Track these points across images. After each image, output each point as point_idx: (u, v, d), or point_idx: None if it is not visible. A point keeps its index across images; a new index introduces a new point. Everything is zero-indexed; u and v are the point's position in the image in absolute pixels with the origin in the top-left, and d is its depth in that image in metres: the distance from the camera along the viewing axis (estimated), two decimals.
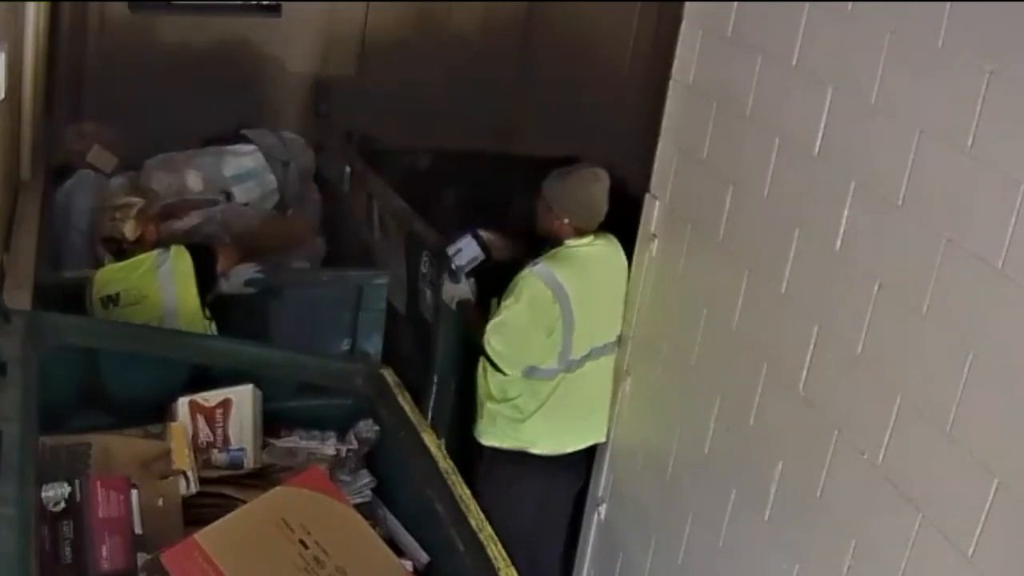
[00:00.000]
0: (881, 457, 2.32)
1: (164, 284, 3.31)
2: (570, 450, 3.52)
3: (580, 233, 3.35)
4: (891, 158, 2.31)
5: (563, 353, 3.36)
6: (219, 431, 2.47)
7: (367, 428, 2.57)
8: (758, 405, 2.78)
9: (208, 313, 3.39)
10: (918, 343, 2.24)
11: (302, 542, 2.03)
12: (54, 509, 1.96)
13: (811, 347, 2.57)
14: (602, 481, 3.60)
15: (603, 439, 3.55)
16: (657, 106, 3.30)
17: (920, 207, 2.25)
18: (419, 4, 6.05)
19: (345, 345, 3.93)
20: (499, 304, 3.36)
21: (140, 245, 3.37)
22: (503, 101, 6.08)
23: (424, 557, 2.29)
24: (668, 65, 3.21)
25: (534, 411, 3.42)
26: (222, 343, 3.04)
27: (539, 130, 5.63)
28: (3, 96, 2.79)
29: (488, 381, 3.45)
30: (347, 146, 5.18)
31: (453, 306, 3.52)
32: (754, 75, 2.81)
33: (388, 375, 2.68)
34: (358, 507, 2.32)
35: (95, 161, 4.46)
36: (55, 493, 1.97)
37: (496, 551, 2.07)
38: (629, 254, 3.42)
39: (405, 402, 2.58)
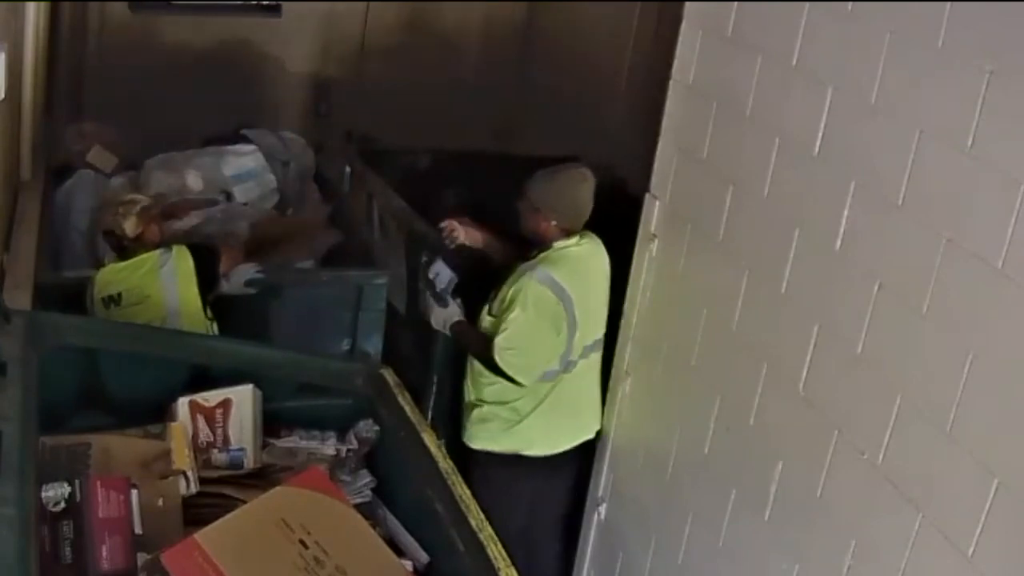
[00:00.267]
0: (881, 457, 2.32)
1: (166, 284, 3.31)
2: (562, 449, 3.52)
3: (567, 234, 3.33)
4: (891, 158, 2.31)
5: (564, 354, 3.35)
6: (219, 431, 2.47)
7: (367, 428, 2.57)
8: (758, 405, 2.78)
9: (210, 313, 3.39)
10: (918, 343, 2.24)
11: (302, 542, 2.03)
12: (54, 509, 1.96)
13: (811, 347, 2.57)
14: (602, 481, 3.60)
15: (592, 436, 3.54)
16: (657, 106, 3.30)
17: (920, 207, 2.25)
18: (419, 4, 6.05)
19: (345, 345, 3.93)
20: (490, 313, 3.34)
21: (139, 243, 3.37)
22: (503, 101, 6.08)
23: (424, 557, 2.29)
24: (668, 65, 3.21)
25: (530, 412, 3.41)
26: (222, 343, 3.05)
27: (539, 130, 5.63)
28: (3, 96, 2.79)
29: (482, 386, 3.43)
30: (347, 146, 5.18)
31: (446, 330, 3.43)
32: (754, 75, 2.81)
33: (388, 375, 2.68)
34: (358, 507, 2.32)
35: (95, 161, 4.47)
36: (55, 493, 1.97)
37: (496, 551, 2.08)
38: (629, 254, 3.42)
39: (405, 402, 2.58)
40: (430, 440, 2.44)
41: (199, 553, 1.94)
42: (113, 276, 3.35)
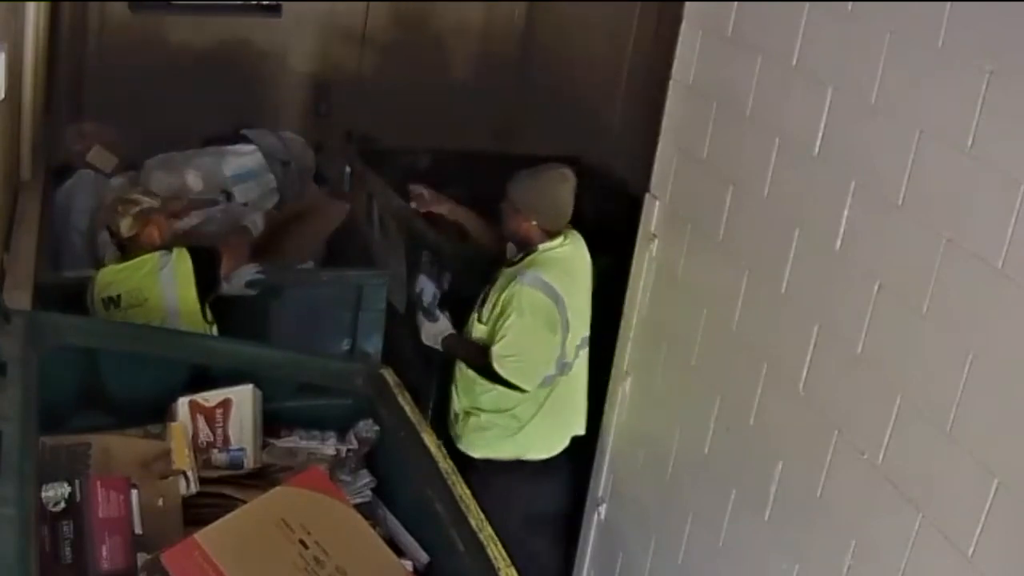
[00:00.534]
0: (881, 457, 2.32)
1: (165, 287, 3.30)
2: (559, 450, 3.52)
3: (548, 234, 3.30)
4: (891, 158, 2.31)
5: (559, 357, 3.35)
6: (219, 431, 2.47)
7: (367, 428, 2.57)
8: (758, 405, 2.78)
9: (210, 316, 3.38)
10: (918, 343, 2.24)
11: (302, 542, 2.03)
12: (54, 509, 1.96)
13: (811, 347, 2.57)
14: (602, 481, 3.60)
15: (583, 432, 3.54)
16: (657, 106, 3.30)
17: (920, 207, 2.25)
18: (419, 4, 6.05)
19: (345, 345, 3.93)
20: (480, 321, 3.33)
21: (135, 244, 3.36)
22: (503, 101, 6.08)
23: (424, 557, 2.29)
24: (668, 65, 3.21)
25: (531, 418, 3.40)
26: (222, 343, 3.05)
27: (539, 130, 5.63)
28: (3, 96, 2.79)
29: (477, 394, 3.41)
30: (347, 146, 5.18)
31: (438, 345, 3.40)
32: (754, 75, 2.81)
33: (388, 375, 2.68)
34: (358, 507, 2.32)
35: (95, 161, 4.46)
36: (55, 493, 1.97)
37: (496, 551, 2.07)
38: (629, 254, 3.42)
39: (405, 402, 2.58)
40: (430, 440, 2.44)
41: (199, 553, 1.94)
42: (113, 277, 3.35)
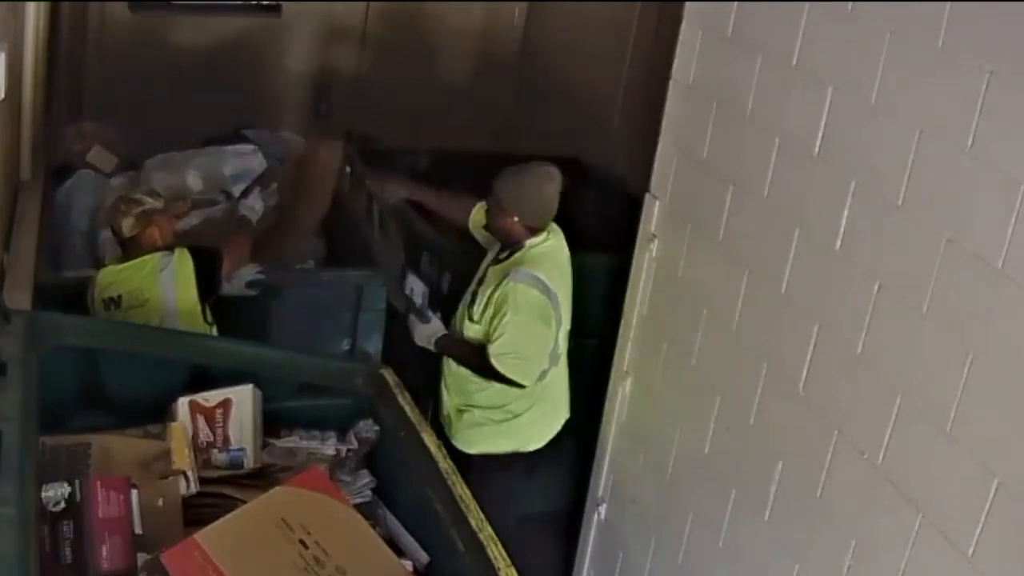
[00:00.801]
0: (881, 457, 2.32)
1: (165, 288, 3.30)
2: (550, 439, 3.53)
3: (534, 231, 3.32)
4: (891, 158, 2.31)
5: (552, 349, 3.37)
6: (219, 431, 2.47)
7: (367, 428, 2.57)
8: (758, 405, 2.78)
9: (210, 317, 3.38)
10: (918, 343, 2.24)
11: (302, 542, 2.03)
12: (54, 509, 1.96)
13: (811, 347, 2.57)
14: (602, 481, 3.60)
15: (568, 414, 3.56)
16: (657, 106, 3.30)
17: (920, 207, 2.25)
18: (419, 5, 6.05)
19: (345, 345, 3.93)
20: (471, 319, 3.34)
21: (135, 244, 3.36)
22: (503, 101, 6.07)
23: (424, 557, 2.29)
24: (668, 65, 3.21)
25: (526, 410, 3.42)
26: (222, 343, 3.04)
27: (539, 130, 5.63)
28: (3, 96, 2.78)
29: (470, 392, 3.41)
30: (347, 146, 5.18)
31: (431, 346, 3.40)
32: (754, 75, 2.81)
33: (388, 375, 2.68)
34: (358, 507, 2.32)
35: (95, 161, 4.47)
36: (55, 493, 1.97)
37: (496, 551, 2.07)
38: (629, 254, 3.42)
39: (405, 402, 2.58)
40: (430, 440, 2.44)
41: (199, 553, 1.94)
42: (114, 277, 3.34)
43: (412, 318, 3.41)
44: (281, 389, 2.61)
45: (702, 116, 3.04)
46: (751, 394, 2.79)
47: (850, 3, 2.47)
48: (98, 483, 2.02)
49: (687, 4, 3.12)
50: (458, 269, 3.79)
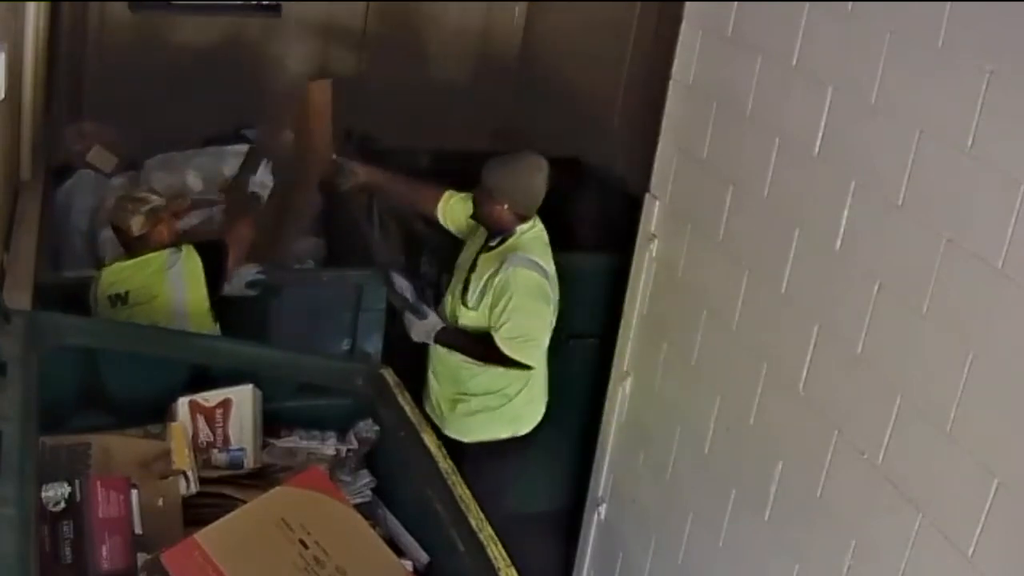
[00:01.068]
0: (881, 457, 2.32)
1: (174, 285, 3.30)
2: (539, 419, 3.55)
3: (522, 219, 3.35)
4: (891, 158, 2.31)
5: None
6: (219, 431, 2.47)
7: (367, 428, 2.57)
8: (758, 405, 2.78)
9: (214, 314, 3.39)
10: (918, 343, 2.24)
11: (302, 542, 2.03)
12: (54, 509, 1.96)
13: (811, 347, 2.57)
14: (602, 481, 3.60)
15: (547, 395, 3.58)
16: (657, 106, 3.30)
17: (920, 207, 2.25)
18: (419, 5, 6.05)
19: (345, 345, 3.93)
20: (466, 307, 3.35)
21: (143, 243, 3.36)
22: (503, 101, 6.07)
23: (424, 557, 2.29)
24: (668, 65, 3.21)
25: (519, 392, 3.44)
26: (222, 343, 3.04)
27: (539, 130, 5.62)
28: (3, 96, 2.78)
29: (464, 380, 3.42)
30: (347, 146, 5.17)
31: (431, 340, 3.41)
32: (754, 75, 2.81)
33: (388, 375, 2.68)
34: (358, 507, 2.32)
35: (95, 161, 4.46)
36: (55, 493, 1.97)
37: (496, 551, 2.07)
38: (629, 254, 3.42)
39: (405, 402, 2.58)
40: (430, 440, 2.44)
41: (199, 553, 1.94)
42: (119, 274, 3.34)
43: (408, 315, 3.42)
44: (281, 389, 2.61)
45: (702, 116, 3.04)
46: (751, 394, 2.79)
47: (850, 3, 2.47)
48: (98, 483, 2.02)
49: (687, 4, 3.12)
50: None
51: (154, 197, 3.43)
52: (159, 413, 2.45)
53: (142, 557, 1.99)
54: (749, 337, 2.84)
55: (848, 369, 2.45)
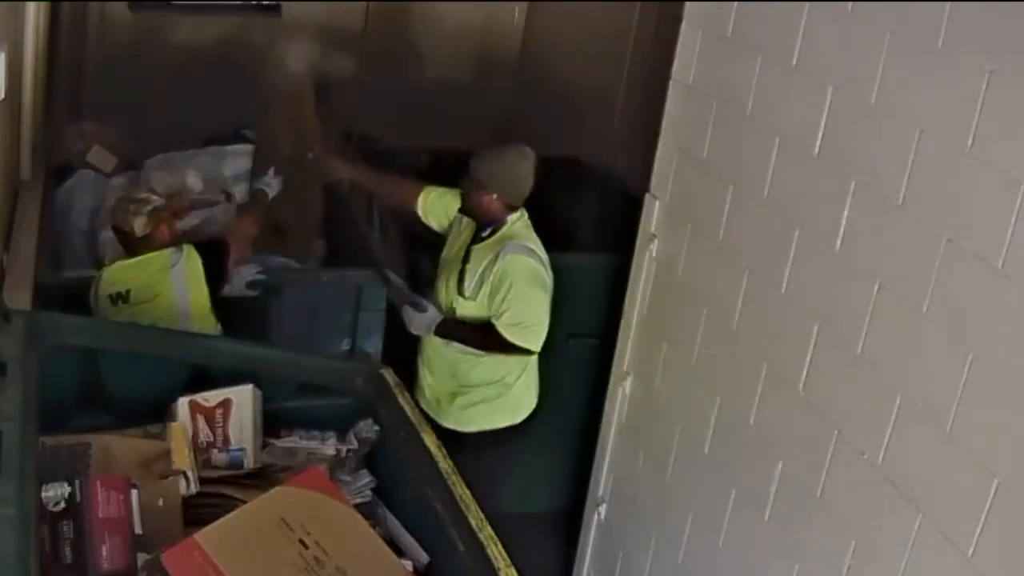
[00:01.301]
0: (881, 457, 2.32)
1: (176, 284, 3.30)
2: (534, 406, 3.57)
3: (511, 209, 3.38)
4: (891, 158, 2.31)
5: None
6: (219, 431, 2.47)
7: (367, 428, 2.57)
8: (758, 405, 2.78)
9: (216, 314, 3.39)
10: (918, 343, 2.24)
11: (302, 542, 2.03)
12: (54, 509, 1.96)
13: (811, 347, 2.57)
14: (602, 481, 3.60)
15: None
16: (657, 106, 3.30)
17: (920, 207, 2.25)
18: (419, 5, 6.05)
19: (345, 345, 3.93)
20: (463, 297, 3.36)
21: (146, 243, 3.36)
22: (503, 101, 6.07)
23: (424, 557, 2.29)
24: (668, 65, 3.21)
25: (517, 379, 3.47)
26: (222, 343, 3.04)
27: (539, 130, 5.62)
28: (3, 96, 2.78)
29: (463, 371, 3.44)
30: (347, 146, 5.17)
31: (431, 333, 3.44)
32: (754, 75, 2.81)
33: (388, 375, 2.68)
34: (358, 507, 2.32)
35: (95, 161, 4.46)
36: (55, 493, 1.97)
37: (496, 551, 2.07)
38: (629, 254, 3.42)
39: (405, 402, 2.58)
40: (430, 440, 2.44)
41: (199, 553, 1.94)
42: (120, 274, 3.35)
43: (407, 309, 3.44)
44: (281, 389, 2.61)
45: (702, 116, 3.04)
46: (751, 394, 2.79)
47: (850, 3, 2.47)
48: (98, 483, 2.02)
49: (687, 4, 3.13)
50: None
51: (155, 197, 3.44)
52: (159, 413, 2.45)
53: (142, 557, 1.99)
54: (749, 337, 2.83)
55: (848, 369, 2.45)
